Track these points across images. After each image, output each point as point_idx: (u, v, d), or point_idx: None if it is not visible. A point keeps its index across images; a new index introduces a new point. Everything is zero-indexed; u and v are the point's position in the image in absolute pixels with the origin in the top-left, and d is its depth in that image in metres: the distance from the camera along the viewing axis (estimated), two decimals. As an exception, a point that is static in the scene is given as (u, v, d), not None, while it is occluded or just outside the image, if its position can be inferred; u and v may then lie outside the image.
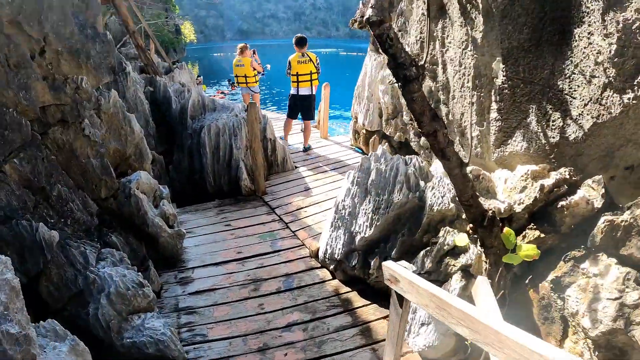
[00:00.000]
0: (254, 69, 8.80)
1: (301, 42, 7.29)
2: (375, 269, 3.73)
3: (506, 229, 2.69)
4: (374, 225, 3.78)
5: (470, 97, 4.13)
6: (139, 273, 3.57)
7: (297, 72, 7.30)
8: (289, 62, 7.28)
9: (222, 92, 18.02)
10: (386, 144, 7.12)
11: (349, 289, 4.00)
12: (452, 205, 3.49)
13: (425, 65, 2.69)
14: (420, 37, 5.33)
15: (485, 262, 2.88)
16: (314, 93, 7.58)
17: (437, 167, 4.06)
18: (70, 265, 3.20)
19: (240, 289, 4.05)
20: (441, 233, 3.44)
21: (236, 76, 9.03)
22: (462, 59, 4.21)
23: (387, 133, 6.93)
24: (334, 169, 6.90)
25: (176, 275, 4.34)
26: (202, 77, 20.55)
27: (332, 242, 4.19)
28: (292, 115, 7.78)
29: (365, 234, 3.82)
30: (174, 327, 3.39)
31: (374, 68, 7.05)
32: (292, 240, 4.92)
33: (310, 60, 7.33)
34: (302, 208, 5.59)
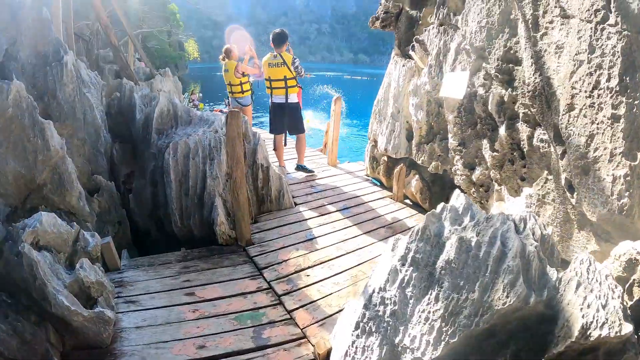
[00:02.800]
0: (243, 74, 6.98)
1: (278, 40, 5.59)
2: None
3: None
4: (443, 342, 1.90)
5: (611, 106, 2.31)
6: None
7: (269, 76, 5.67)
8: (261, 65, 5.79)
9: (221, 111, 16.34)
10: (416, 175, 5.28)
11: None
12: (624, 325, 1.64)
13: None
14: (490, 22, 3.55)
15: None
16: (296, 101, 5.88)
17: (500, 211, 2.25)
18: None
19: None
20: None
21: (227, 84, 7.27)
22: (593, 40, 2.40)
23: (419, 161, 5.11)
24: (346, 209, 5.04)
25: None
26: (201, 94, 18.84)
27: (356, 353, 2.31)
28: (274, 129, 6.07)
29: (424, 354, 1.94)
30: None
31: (401, 77, 5.27)
32: (287, 327, 3.04)
33: (284, 63, 5.60)
34: (302, 270, 3.70)
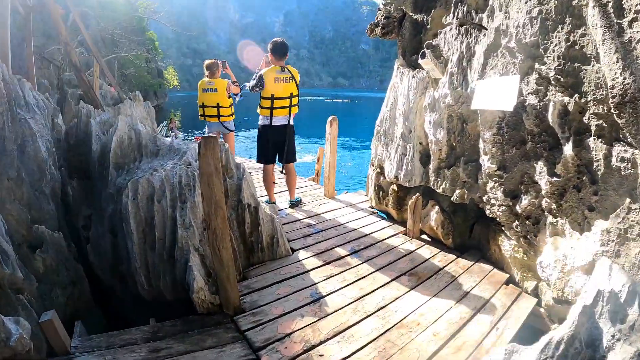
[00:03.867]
0: (230, 96, 6.06)
1: (283, 50, 4.64)
2: None
3: None
4: None
5: None
6: None
7: (272, 94, 4.60)
8: (261, 78, 4.58)
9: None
10: (436, 207, 4.35)
11: None
12: None
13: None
14: (544, 11, 2.69)
15: None
16: (292, 123, 4.91)
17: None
18: None
19: None
20: None
21: (202, 106, 6.15)
22: None
23: (439, 190, 4.19)
24: (355, 253, 4.06)
25: None
26: (178, 121, 17.78)
27: None
28: (267, 158, 4.97)
29: None
30: None
31: (411, 90, 4.39)
32: None
33: (293, 78, 4.69)
34: (313, 347, 2.68)
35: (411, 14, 4.69)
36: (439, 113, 3.93)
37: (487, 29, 3.46)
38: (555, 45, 2.63)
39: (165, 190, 3.05)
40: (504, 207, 3.46)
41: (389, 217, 5.11)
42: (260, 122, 4.82)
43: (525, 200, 3.25)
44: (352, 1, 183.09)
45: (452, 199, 4.08)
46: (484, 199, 3.77)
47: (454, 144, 3.99)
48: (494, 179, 3.44)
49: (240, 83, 5.60)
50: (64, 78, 9.44)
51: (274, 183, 5.08)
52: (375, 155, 5.15)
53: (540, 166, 2.96)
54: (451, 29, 3.86)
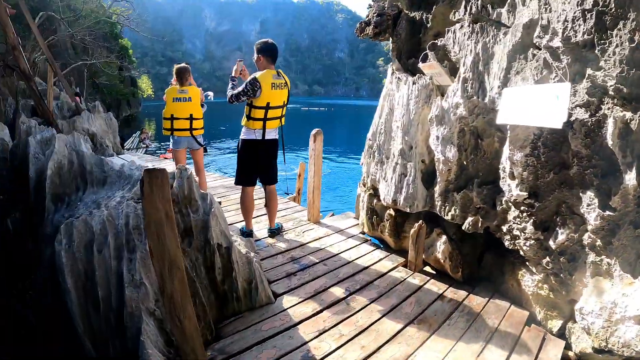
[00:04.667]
0: (202, 105, 5.30)
1: (275, 52, 3.95)
2: None
3: None
4: None
5: None
6: None
7: (267, 103, 3.85)
8: (256, 84, 3.76)
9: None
10: (443, 236, 3.72)
11: None
12: None
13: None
14: (600, 3, 2.07)
15: None
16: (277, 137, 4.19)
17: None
18: None
19: None
20: None
21: (170, 119, 5.24)
22: None
23: (446, 217, 3.55)
24: (350, 296, 3.35)
25: None
26: (151, 132, 16.69)
27: None
28: (250, 179, 4.19)
29: None
30: None
31: (412, 99, 3.75)
32: None
33: (286, 84, 4.00)
34: None
35: (407, 11, 4.06)
36: (449, 127, 3.29)
37: (508, 26, 2.84)
38: (616, 46, 2.01)
39: (107, 236, 2.30)
40: (532, 241, 2.83)
41: (385, 245, 4.44)
42: (245, 137, 4.02)
43: (562, 235, 2.63)
44: (328, 9, 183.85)
45: (463, 227, 3.44)
46: (504, 228, 3.14)
47: (465, 162, 3.35)
48: (522, 207, 2.81)
49: (218, 94, 4.83)
50: (19, 87, 8.49)
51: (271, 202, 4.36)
52: (368, 174, 4.47)
53: (589, 197, 2.34)
54: (462, 26, 3.24)
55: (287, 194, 4.26)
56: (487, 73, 3.06)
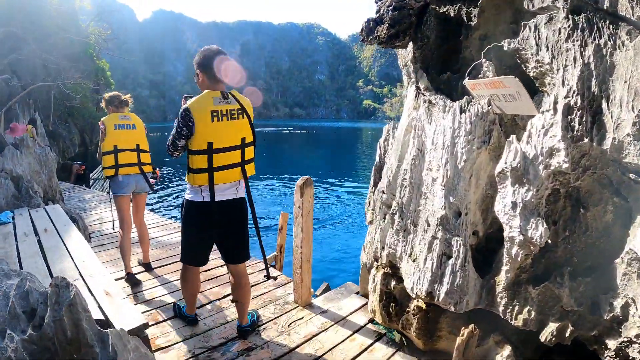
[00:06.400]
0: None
1: (217, 65, 2.45)
2: None
3: None
4: None
5: None
6: None
7: (209, 144, 2.40)
8: (187, 116, 2.34)
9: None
10: (506, 347, 2.29)
11: None
12: None
13: None
14: None
15: None
16: (244, 195, 2.69)
17: None
18: None
19: None
20: None
21: (113, 152, 3.72)
22: None
23: (514, 321, 2.14)
24: None
25: None
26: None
27: None
28: (196, 257, 2.72)
29: None
30: None
31: (462, 135, 2.33)
32: None
33: (243, 110, 2.55)
34: None
35: (435, 6, 2.72)
36: (535, 187, 1.90)
37: (633, 20, 1.51)
38: None
39: None
40: None
41: (407, 341, 2.98)
42: (188, 197, 2.57)
43: None
44: (308, 32, 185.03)
45: (541, 338, 2.05)
46: (610, 344, 1.77)
47: (550, 241, 1.98)
48: None
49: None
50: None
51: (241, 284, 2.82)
52: (383, 244, 3.01)
53: None
54: (551, 19, 1.90)
55: (270, 278, 2.80)
56: (606, 98, 1.72)
